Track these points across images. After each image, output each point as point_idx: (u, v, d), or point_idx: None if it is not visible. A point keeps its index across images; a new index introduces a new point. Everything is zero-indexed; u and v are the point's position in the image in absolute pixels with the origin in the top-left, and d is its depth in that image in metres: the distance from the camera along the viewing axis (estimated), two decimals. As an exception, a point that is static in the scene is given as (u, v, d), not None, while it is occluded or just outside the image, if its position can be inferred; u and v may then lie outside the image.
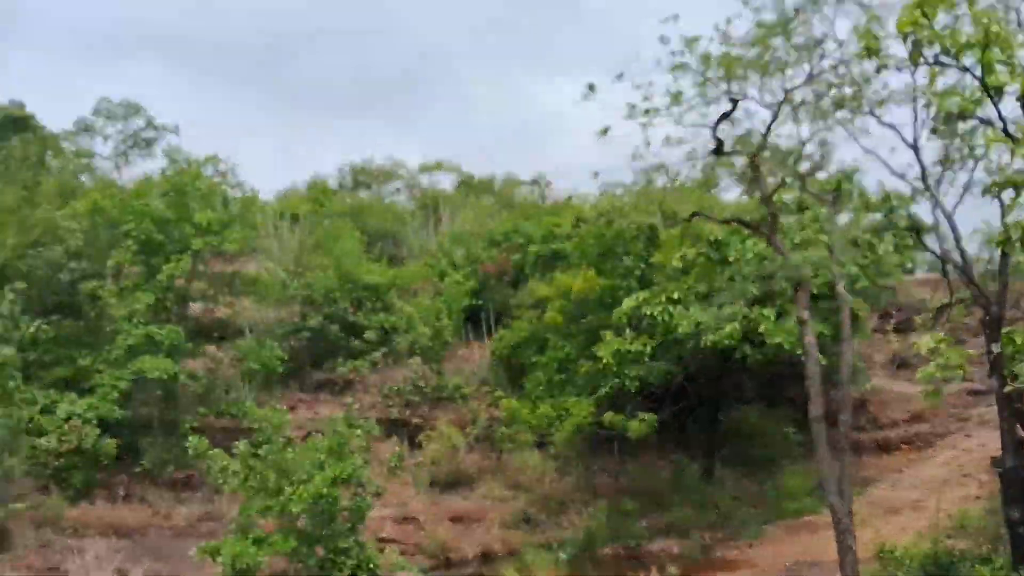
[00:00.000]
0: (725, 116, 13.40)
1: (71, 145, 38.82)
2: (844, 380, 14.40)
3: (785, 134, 14.13)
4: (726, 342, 17.90)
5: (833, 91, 13.42)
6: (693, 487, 22.46)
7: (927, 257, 32.86)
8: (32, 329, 22.31)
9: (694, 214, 15.27)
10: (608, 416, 19.75)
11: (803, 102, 13.57)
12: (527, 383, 23.88)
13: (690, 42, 13.18)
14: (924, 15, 11.80)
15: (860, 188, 15.80)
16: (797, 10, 13.05)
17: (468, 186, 52.01)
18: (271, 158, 71.01)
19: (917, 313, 32.80)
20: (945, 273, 16.72)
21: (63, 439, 21.38)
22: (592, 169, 14.94)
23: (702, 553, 18.81)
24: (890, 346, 31.35)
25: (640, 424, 19.33)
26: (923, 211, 16.87)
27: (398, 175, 51.11)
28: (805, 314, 14.17)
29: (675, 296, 19.02)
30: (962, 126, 13.80)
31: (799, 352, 17.14)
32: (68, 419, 21.72)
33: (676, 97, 13.19)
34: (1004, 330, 13.14)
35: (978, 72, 12.00)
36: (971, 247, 15.20)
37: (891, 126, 13.33)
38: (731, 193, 22.21)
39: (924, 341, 12.37)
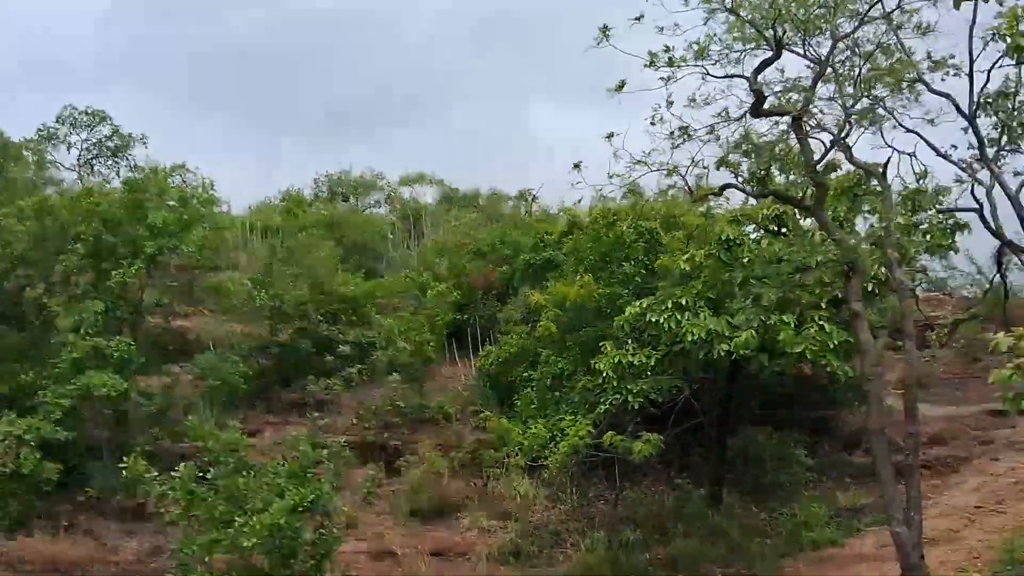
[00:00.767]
0: (767, 64, 11.43)
1: (32, 154, 36.64)
2: (912, 386, 12.37)
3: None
4: (741, 352, 15.83)
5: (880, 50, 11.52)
6: (699, 515, 20.28)
7: (933, 273, 31.28)
8: (-33, 341, 20.11)
9: (725, 186, 13.20)
10: (608, 436, 17.60)
11: (849, 57, 11.65)
12: (517, 402, 21.71)
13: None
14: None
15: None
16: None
17: (451, 200, 50.14)
18: (251, 178, 69.09)
19: (929, 330, 31.11)
20: (1000, 263, 14.92)
21: (-1, 463, 19.08)
22: (580, 185, 12.95)
23: (715, 591, 16.64)
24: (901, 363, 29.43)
25: (644, 445, 17.17)
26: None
27: (377, 187, 49.20)
28: (859, 305, 12.23)
29: (683, 302, 16.97)
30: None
31: (822, 361, 15.22)
32: (3, 440, 19.40)
33: (704, 46, 11.20)
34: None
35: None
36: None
37: (945, 95, 11.48)
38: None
39: (1003, 338, 10.36)
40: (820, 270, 16.15)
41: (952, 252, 16.02)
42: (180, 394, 23.59)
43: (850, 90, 11.56)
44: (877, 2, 11.03)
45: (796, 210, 17.58)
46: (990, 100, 12.15)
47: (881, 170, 12.76)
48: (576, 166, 12.22)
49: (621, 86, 11.28)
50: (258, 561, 13.04)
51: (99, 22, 79.68)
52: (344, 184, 48.78)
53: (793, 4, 10.80)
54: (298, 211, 41.63)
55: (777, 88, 12.01)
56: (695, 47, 11.01)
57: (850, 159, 12.61)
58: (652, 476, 23.59)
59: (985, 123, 12.56)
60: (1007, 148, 12.68)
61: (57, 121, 39.04)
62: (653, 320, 17.16)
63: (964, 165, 12.30)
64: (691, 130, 11.81)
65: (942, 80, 11.25)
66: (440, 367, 29.61)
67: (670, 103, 11.44)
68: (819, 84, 11.34)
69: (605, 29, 11.11)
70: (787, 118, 12.16)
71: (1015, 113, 12.15)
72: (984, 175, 12.64)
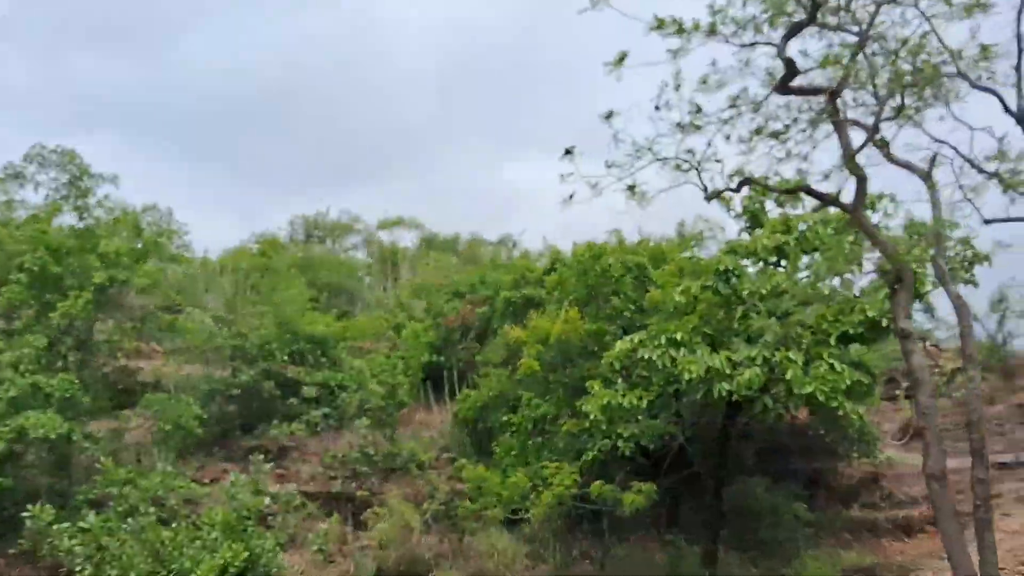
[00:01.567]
0: (799, 28, 9.91)
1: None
2: (977, 417, 10.93)
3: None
4: (744, 392, 14.38)
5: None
6: (694, 575, 18.58)
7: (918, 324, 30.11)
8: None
9: (745, 181, 11.72)
10: (596, 486, 16.02)
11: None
12: (496, 448, 20.06)
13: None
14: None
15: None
16: None
17: (430, 244, 48.79)
18: (230, 226, 67.70)
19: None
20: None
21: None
22: (572, 178, 11.33)
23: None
24: (901, 414, 28.06)
25: (636, 496, 15.60)
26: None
27: (354, 230, 47.77)
28: (908, 323, 10.79)
29: (678, 337, 15.54)
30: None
31: (833, 404, 13.76)
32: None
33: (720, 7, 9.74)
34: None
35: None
36: None
37: (991, 90, 10.19)
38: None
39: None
40: (824, 303, 14.87)
41: (972, 285, 14.67)
42: (132, 439, 21.77)
43: (885, 77, 10.21)
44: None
45: (795, 243, 16.37)
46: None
47: (927, 169, 11.28)
48: (568, 152, 10.71)
49: (622, 58, 9.84)
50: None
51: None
52: (320, 227, 47.35)
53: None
54: (271, 252, 40.14)
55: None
56: (711, 8, 9.60)
57: (888, 156, 11.12)
58: (641, 531, 21.86)
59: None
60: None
61: (24, 159, 37.53)
62: (646, 357, 15.69)
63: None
64: (702, 116, 10.27)
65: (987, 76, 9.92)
66: (414, 412, 27.92)
67: (678, 86, 10.02)
68: (857, 60, 9.89)
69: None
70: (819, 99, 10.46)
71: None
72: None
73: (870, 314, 14.57)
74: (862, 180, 10.83)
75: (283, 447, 23.82)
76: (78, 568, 12.07)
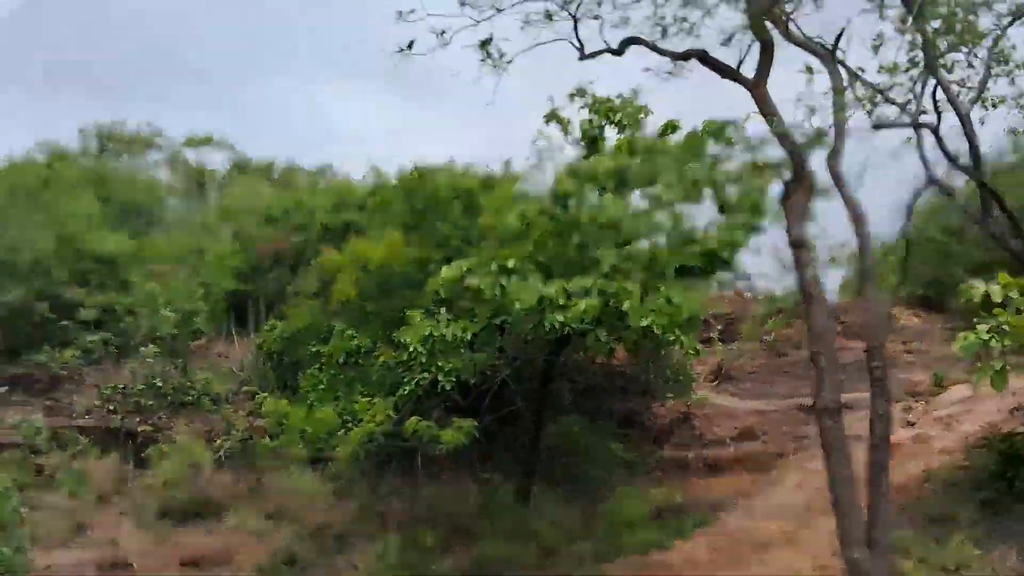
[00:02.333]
0: None
1: None
2: (878, 342, 9.95)
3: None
4: (578, 324, 13.43)
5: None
6: (507, 513, 17.80)
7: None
8: None
9: (630, 40, 10.33)
10: (412, 423, 14.73)
11: None
12: (303, 381, 18.32)
13: None
14: None
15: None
16: None
17: (243, 168, 45.23)
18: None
19: (732, 324, 30.56)
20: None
21: None
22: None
23: (529, 606, 14.08)
24: (714, 357, 28.59)
25: (455, 433, 14.44)
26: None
27: (157, 146, 43.40)
28: (804, 231, 9.86)
29: (510, 264, 14.35)
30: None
31: (670, 337, 13.08)
32: None
33: None
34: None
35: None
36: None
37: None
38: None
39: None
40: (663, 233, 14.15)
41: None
42: None
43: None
44: None
45: (638, 168, 15.51)
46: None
47: (831, 47, 10.09)
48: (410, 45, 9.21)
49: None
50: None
51: None
52: (117, 139, 42.62)
53: None
54: (57, 164, 35.68)
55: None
56: None
57: (786, 33, 9.92)
58: (454, 470, 20.91)
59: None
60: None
61: None
62: (474, 285, 14.42)
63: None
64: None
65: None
66: (215, 344, 25.58)
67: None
68: None
69: None
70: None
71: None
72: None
73: (711, 246, 13.95)
74: (768, 47, 9.73)
75: (55, 377, 20.98)
76: None
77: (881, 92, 10.13)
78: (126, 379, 20.95)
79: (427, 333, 14.71)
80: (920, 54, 10.22)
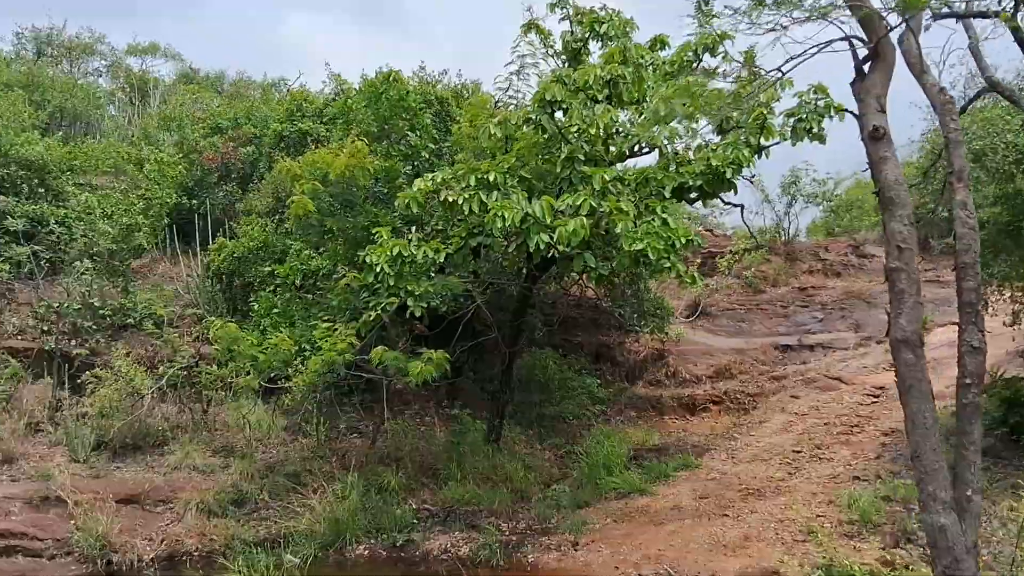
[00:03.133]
0: None
1: None
2: (970, 260, 8.22)
3: None
4: (566, 246, 11.91)
5: None
6: (477, 453, 16.52)
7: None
8: None
9: None
10: (378, 352, 13.21)
11: None
12: (256, 304, 16.67)
13: None
14: None
15: None
16: None
17: (191, 80, 42.51)
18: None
19: (712, 259, 29.40)
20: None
21: None
22: None
23: (504, 555, 12.80)
24: (689, 292, 27.43)
25: (426, 365, 12.96)
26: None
27: (97, 53, 40.51)
28: (883, 119, 8.34)
29: (490, 178, 12.75)
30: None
31: (667, 264, 11.68)
32: None
33: None
34: None
35: None
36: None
37: None
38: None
39: None
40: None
41: (819, 142, 12.89)
42: None
43: None
44: None
45: (632, 76, 13.91)
46: None
47: None
48: None
49: None
50: None
51: None
52: (54, 45, 39.58)
53: None
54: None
55: None
56: None
57: None
58: (419, 405, 19.58)
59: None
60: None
61: None
62: (450, 200, 12.81)
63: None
64: None
65: None
66: (158, 263, 23.66)
67: None
68: None
69: None
70: None
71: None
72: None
73: (713, 163, 12.45)
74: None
75: (-21, 293, 19.03)
76: None
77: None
78: (61, 297, 19.01)
79: (396, 252, 13.10)
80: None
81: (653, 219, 12.08)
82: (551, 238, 11.99)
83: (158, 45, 42.47)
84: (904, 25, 8.40)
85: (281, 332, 14.29)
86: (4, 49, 37.67)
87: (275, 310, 15.74)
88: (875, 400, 19.16)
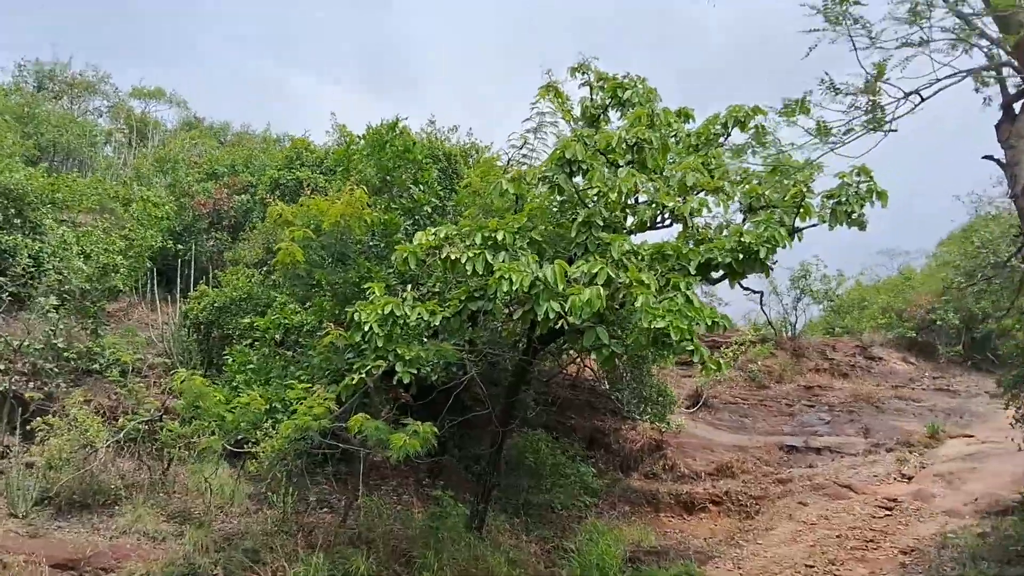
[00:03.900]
0: None
1: None
2: None
3: None
4: (578, 317, 10.70)
5: None
6: (457, 541, 14.97)
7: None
8: None
9: None
10: (357, 420, 11.86)
11: None
12: (229, 358, 15.34)
13: None
14: None
15: None
16: None
17: (193, 127, 41.88)
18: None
19: (717, 349, 28.20)
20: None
21: None
22: None
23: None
24: (690, 381, 26.19)
25: (411, 439, 11.60)
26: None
27: (100, 92, 39.91)
28: None
29: (499, 237, 11.63)
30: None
31: (688, 347, 10.48)
32: None
33: None
34: None
35: None
36: None
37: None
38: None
39: None
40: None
41: (859, 228, 11.87)
42: None
43: None
44: None
45: (660, 141, 12.95)
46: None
47: None
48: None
49: None
50: None
51: None
52: (56, 80, 39.01)
53: None
54: (-17, 96, 32.13)
55: None
56: None
57: None
58: (396, 481, 18.08)
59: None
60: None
61: None
62: (452, 259, 11.65)
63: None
64: None
65: None
66: (135, 308, 22.35)
67: None
68: None
69: None
70: None
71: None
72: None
73: (746, 240, 11.36)
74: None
75: (-65, 325, 17.64)
76: None
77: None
78: (23, 335, 17.62)
79: (387, 312, 11.87)
80: None
81: (676, 296, 10.89)
82: (562, 307, 10.78)
83: (163, 90, 41.97)
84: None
85: (253, 390, 12.91)
86: (4, 81, 37.08)
87: (250, 366, 14.40)
88: (888, 513, 17.78)
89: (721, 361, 11.18)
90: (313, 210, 13.83)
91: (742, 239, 11.36)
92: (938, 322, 28.33)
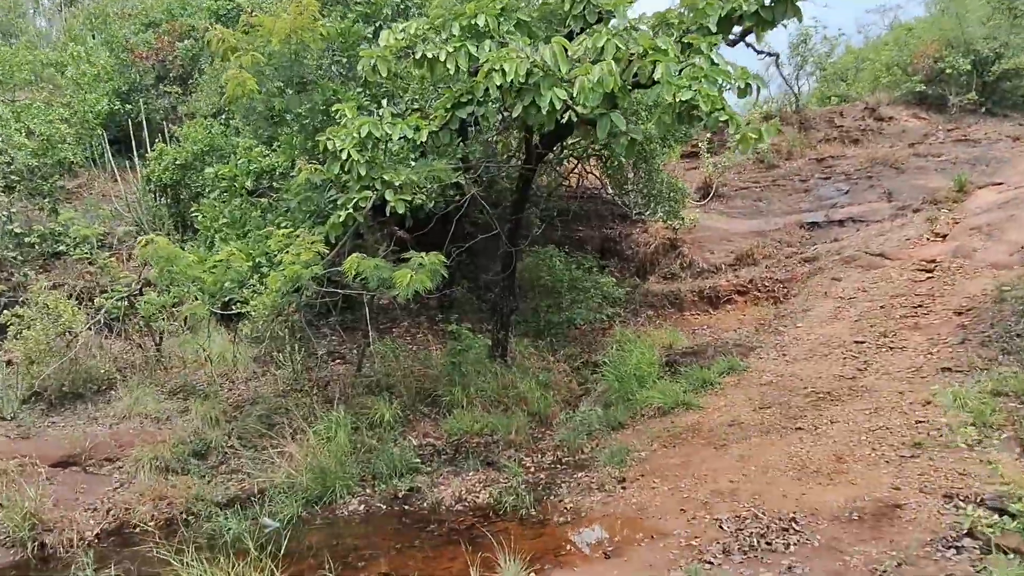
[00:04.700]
0: None
1: None
2: None
3: None
4: (587, 102, 9.03)
5: None
6: (483, 373, 13.97)
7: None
8: None
9: None
10: (353, 262, 10.44)
11: None
12: (199, 214, 13.77)
13: None
14: None
15: None
16: None
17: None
18: None
19: (716, 134, 26.51)
20: None
21: None
22: None
23: (534, 501, 10.16)
24: (697, 172, 24.68)
25: (416, 273, 10.22)
26: None
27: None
28: None
29: (479, 22, 9.76)
30: None
31: (720, 115, 8.90)
32: None
33: None
34: None
35: None
36: None
37: None
38: None
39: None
40: None
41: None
42: None
43: None
44: None
45: None
46: None
47: None
48: None
49: None
50: None
51: None
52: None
53: None
54: None
55: None
56: None
57: None
58: (407, 322, 16.96)
59: None
60: None
61: None
62: (429, 57, 9.84)
63: None
64: None
65: None
66: (92, 182, 20.53)
67: None
68: None
69: None
70: None
71: None
72: None
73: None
74: None
75: None
76: None
77: None
78: (-27, 227, 16.04)
79: (365, 134, 10.20)
80: None
81: (699, 60, 9.17)
82: (568, 94, 9.09)
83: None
84: None
85: (230, 245, 11.43)
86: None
87: (223, 220, 12.84)
88: (929, 275, 16.68)
89: (763, 129, 9.55)
90: (257, 29, 11.81)
91: (768, -22, 9.49)
92: (947, 71, 26.40)
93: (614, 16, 9.58)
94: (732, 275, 20.03)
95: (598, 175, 20.67)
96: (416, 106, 12.76)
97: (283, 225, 11.45)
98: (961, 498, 7.87)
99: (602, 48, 9.09)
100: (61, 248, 16.54)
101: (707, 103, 8.80)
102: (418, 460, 11.80)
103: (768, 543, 7.78)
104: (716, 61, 9.27)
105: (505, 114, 11.73)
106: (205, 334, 14.47)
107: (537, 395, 13.45)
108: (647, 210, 20.29)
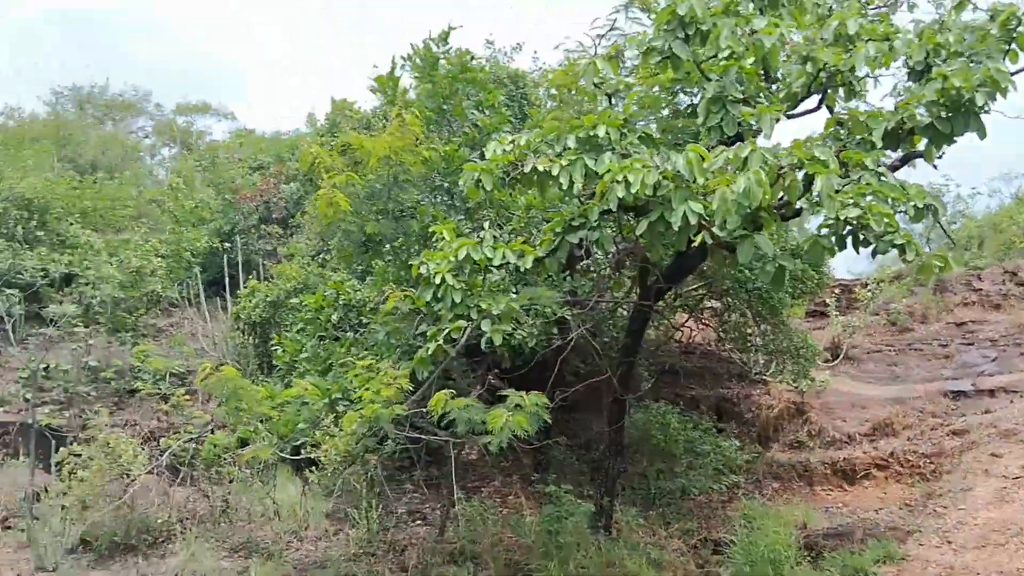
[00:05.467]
0: None
1: None
2: None
3: None
4: (726, 225, 7.52)
5: None
6: (585, 546, 11.93)
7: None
8: None
9: None
10: (440, 399, 8.91)
11: None
12: (279, 348, 12.60)
13: None
14: None
15: None
16: None
17: (246, 138, 39.86)
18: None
19: (847, 292, 24.61)
20: None
21: None
22: None
23: None
24: (823, 332, 22.59)
25: (513, 415, 8.58)
26: None
27: (143, 112, 38.16)
28: None
29: (598, 133, 8.54)
30: None
31: (893, 240, 7.24)
32: None
33: None
34: None
35: None
36: None
37: None
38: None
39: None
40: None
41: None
42: None
43: None
44: None
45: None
46: None
47: None
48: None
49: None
50: None
51: None
52: (95, 103, 37.37)
53: None
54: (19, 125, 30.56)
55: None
56: None
57: None
58: (499, 480, 15.14)
59: None
60: None
61: None
62: (540, 171, 8.59)
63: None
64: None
65: None
66: (186, 320, 19.95)
67: None
68: None
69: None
70: None
71: None
72: None
73: (956, 84, 7.96)
74: None
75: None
76: None
77: None
78: (53, 359, 15.31)
79: (463, 256, 8.90)
80: None
81: (864, 175, 7.63)
82: (705, 209, 7.61)
83: (209, 104, 40.05)
84: None
85: (304, 381, 10.08)
86: (43, 110, 35.56)
87: (304, 354, 11.59)
88: (1111, 455, 14.06)
89: (949, 257, 7.78)
90: (357, 148, 10.94)
91: (946, 85, 7.97)
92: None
93: (758, 131, 8.19)
94: (869, 446, 17.64)
95: (713, 327, 18.92)
96: (522, 225, 11.52)
97: (366, 358, 10.06)
98: None
99: (745, 159, 7.64)
100: (137, 385, 15.65)
101: (878, 223, 7.16)
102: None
103: None
104: (885, 176, 7.70)
105: (621, 245, 10.30)
106: (271, 482, 12.98)
107: (649, 575, 11.28)
108: (770, 369, 18.31)
